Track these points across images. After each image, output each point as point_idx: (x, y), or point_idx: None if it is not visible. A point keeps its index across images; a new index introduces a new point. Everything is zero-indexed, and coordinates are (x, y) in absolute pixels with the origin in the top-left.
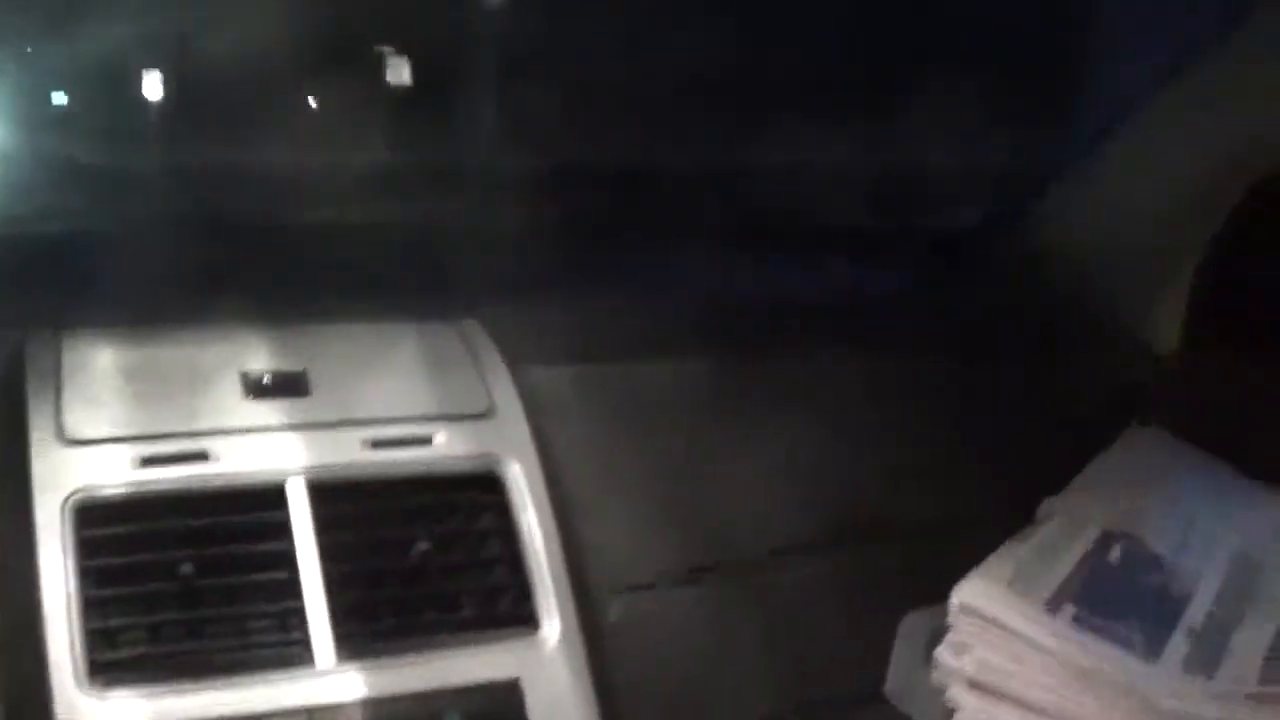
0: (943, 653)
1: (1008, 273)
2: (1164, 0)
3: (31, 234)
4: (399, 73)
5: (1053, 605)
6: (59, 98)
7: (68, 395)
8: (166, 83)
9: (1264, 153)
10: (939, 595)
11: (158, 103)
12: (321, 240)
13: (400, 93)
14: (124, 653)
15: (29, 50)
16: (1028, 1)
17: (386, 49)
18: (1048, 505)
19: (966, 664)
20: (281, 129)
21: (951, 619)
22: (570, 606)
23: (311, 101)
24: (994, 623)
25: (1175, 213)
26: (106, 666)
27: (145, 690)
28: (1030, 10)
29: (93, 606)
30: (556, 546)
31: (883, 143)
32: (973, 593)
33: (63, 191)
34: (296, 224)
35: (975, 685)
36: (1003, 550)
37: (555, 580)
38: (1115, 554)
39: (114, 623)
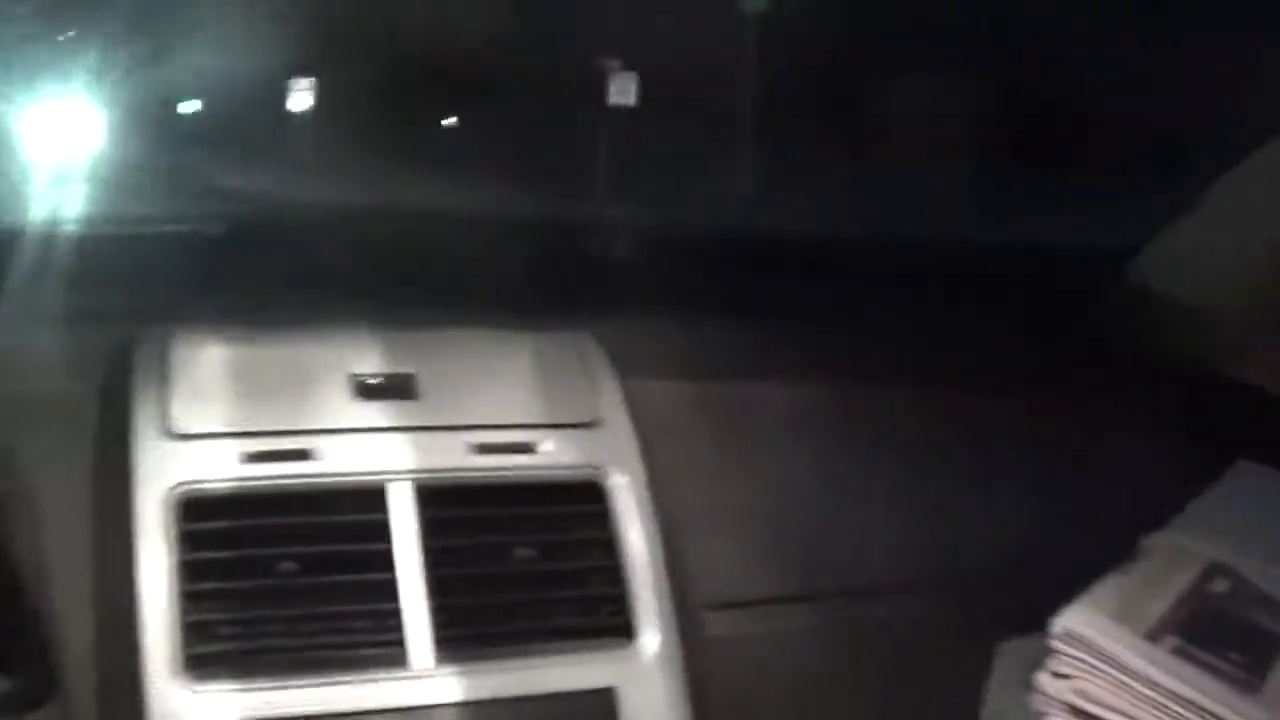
0: (1042, 679)
1: (1111, 315)
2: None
3: (147, 234)
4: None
5: (1155, 636)
6: (187, 104)
7: (175, 390)
8: (298, 94)
9: None
10: (1035, 630)
11: (287, 113)
12: (439, 250)
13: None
14: (220, 646)
15: (152, 56)
16: (1129, 54)
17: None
18: (1151, 539)
19: (1066, 691)
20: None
21: (1052, 645)
22: (668, 619)
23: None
24: (1096, 650)
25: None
26: (202, 659)
27: (239, 684)
28: (1131, 62)
29: (191, 600)
30: (657, 559)
31: (998, 195)
32: (1075, 620)
33: (183, 194)
34: (416, 232)
35: (1074, 712)
36: (1105, 581)
37: (654, 593)
38: (1218, 588)
39: (211, 616)
